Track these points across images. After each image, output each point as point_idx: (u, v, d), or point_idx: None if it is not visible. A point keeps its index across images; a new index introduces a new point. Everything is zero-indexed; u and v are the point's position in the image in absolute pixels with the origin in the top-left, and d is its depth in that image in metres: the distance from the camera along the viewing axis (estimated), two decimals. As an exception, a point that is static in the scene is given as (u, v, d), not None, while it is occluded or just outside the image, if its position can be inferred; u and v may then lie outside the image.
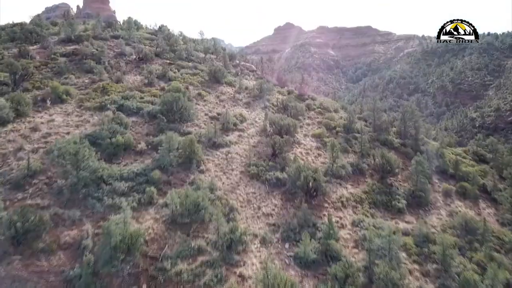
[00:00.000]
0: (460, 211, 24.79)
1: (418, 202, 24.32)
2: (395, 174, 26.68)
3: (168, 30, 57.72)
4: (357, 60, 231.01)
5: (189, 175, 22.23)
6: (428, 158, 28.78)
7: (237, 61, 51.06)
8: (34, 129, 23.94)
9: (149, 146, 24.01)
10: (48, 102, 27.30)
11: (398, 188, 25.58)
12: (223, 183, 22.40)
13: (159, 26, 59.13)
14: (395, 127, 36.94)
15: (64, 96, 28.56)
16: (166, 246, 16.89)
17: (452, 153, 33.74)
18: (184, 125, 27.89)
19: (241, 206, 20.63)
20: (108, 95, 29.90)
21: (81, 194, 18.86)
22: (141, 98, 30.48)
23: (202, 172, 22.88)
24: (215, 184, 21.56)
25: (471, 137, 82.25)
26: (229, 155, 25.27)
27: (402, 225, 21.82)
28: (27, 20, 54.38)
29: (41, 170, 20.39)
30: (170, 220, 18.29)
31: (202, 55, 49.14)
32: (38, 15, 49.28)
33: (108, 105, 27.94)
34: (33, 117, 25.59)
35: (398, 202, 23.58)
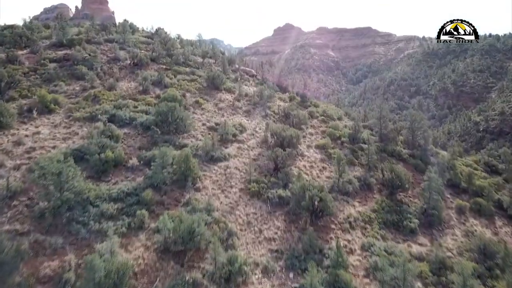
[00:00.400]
0: (475, 230, 23.11)
1: (431, 221, 22.61)
2: (405, 189, 24.99)
3: (165, 33, 55.93)
4: (357, 61, 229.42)
5: (184, 194, 20.51)
6: (439, 171, 27.08)
7: (237, 66, 49.34)
8: (18, 143, 22.19)
9: (141, 162, 22.27)
10: (35, 112, 25.55)
11: (409, 206, 23.89)
12: (221, 202, 20.67)
13: (156, 29, 57.36)
14: (402, 135, 35.26)
15: (52, 106, 26.83)
16: (158, 279, 15.16)
17: (463, 164, 32.06)
18: (180, 137, 26.16)
19: (241, 230, 18.91)
20: (100, 104, 28.17)
21: (65, 218, 17.13)
22: (135, 107, 28.75)
23: (198, 190, 21.14)
24: (212, 204, 19.82)
25: (476, 141, 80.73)
26: (228, 170, 23.55)
27: (415, 248, 20.11)
28: (21, 22, 52.65)
29: (22, 190, 18.65)
30: (163, 247, 16.56)
31: (200, 59, 47.34)
32: (30, 17, 47.15)
33: (99, 116, 26.19)
34: (18, 129, 23.85)
35: (410, 222, 21.88)
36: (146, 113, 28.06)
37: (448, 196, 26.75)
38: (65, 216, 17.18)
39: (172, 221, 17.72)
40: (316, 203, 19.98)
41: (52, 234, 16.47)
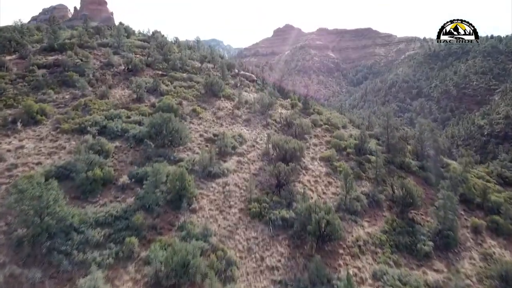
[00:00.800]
0: (494, 252, 21.39)
1: (446, 243, 20.86)
2: (417, 207, 23.25)
3: (162, 36, 54.10)
4: (357, 63, 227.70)
5: (179, 216, 18.79)
6: (451, 185, 25.34)
7: (236, 70, 47.56)
8: (-2, 159, 20.47)
9: (133, 179, 20.54)
10: (19, 124, 23.79)
11: (421, 225, 22.17)
12: (219, 225, 18.94)
13: (152, 32, 55.51)
14: (410, 145, 33.59)
15: (39, 116, 25.11)
16: (147, 321, 13.47)
17: (475, 176, 30.37)
18: (175, 150, 24.42)
19: (241, 257, 17.16)
20: (90, 115, 26.43)
21: (45, 248, 15.41)
22: (128, 117, 27.01)
23: (194, 211, 19.41)
24: (209, 228, 18.10)
25: (480, 145, 79.04)
26: (227, 187, 21.81)
27: (431, 276, 18.38)
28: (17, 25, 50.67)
29: (0, 214, 16.98)
30: (153, 281, 14.84)
31: (198, 64, 45.56)
32: (19, 20, 45.34)
33: (89, 128, 24.45)
34: (0, 143, 22.12)
35: (424, 245, 20.14)
36: (140, 123, 26.35)
37: (462, 213, 25.04)
38: (45, 245, 15.47)
39: (165, 249, 16.12)
40: (323, 226, 18.26)
41: (30, 265, 14.79)
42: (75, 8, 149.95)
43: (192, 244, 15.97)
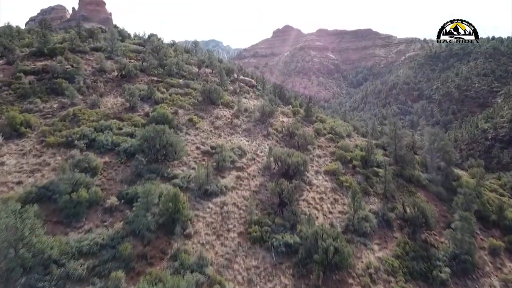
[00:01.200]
0: (515, 278, 19.69)
1: (464, 269, 19.22)
2: (431, 227, 21.58)
3: (158, 39, 52.24)
4: (357, 64, 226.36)
5: (172, 243, 17.05)
6: (466, 201, 23.70)
7: (235, 75, 45.76)
8: (-25, 179, 18.71)
9: (122, 200, 18.79)
10: (0, 138, 22.01)
11: (436, 248, 20.49)
12: (216, 252, 17.21)
13: (148, 35, 53.70)
14: (418, 155, 31.94)
15: (23, 129, 23.33)
16: None
17: (488, 189, 28.71)
18: (169, 165, 22.66)
19: (240, 291, 15.44)
20: (79, 126, 24.62)
21: (20, 285, 13.67)
22: (119, 129, 25.24)
23: (188, 237, 17.67)
24: (205, 256, 16.35)
25: (484, 150, 77.48)
26: (225, 207, 20.06)
27: (450, 308, 16.73)
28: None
29: (-29, 244, 15.20)
30: (141, 324, 13.12)
31: (195, 69, 43.76)
32: (8, 22, 43.42)
33: (76, 141, 22.67)
34: (-22, 160, 20.36)
35: (441, 272, 18.52)
36: (132, 136, 24.60)
37: (478, 232, 23.33)
38: (20, 281, 13.72)
39: (155, 284, 14.37)
40: (330, 254, 16.53)
41: (3, 305, 13.06)
42: (73, 8, 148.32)
43: (185, 279, 14.22)
